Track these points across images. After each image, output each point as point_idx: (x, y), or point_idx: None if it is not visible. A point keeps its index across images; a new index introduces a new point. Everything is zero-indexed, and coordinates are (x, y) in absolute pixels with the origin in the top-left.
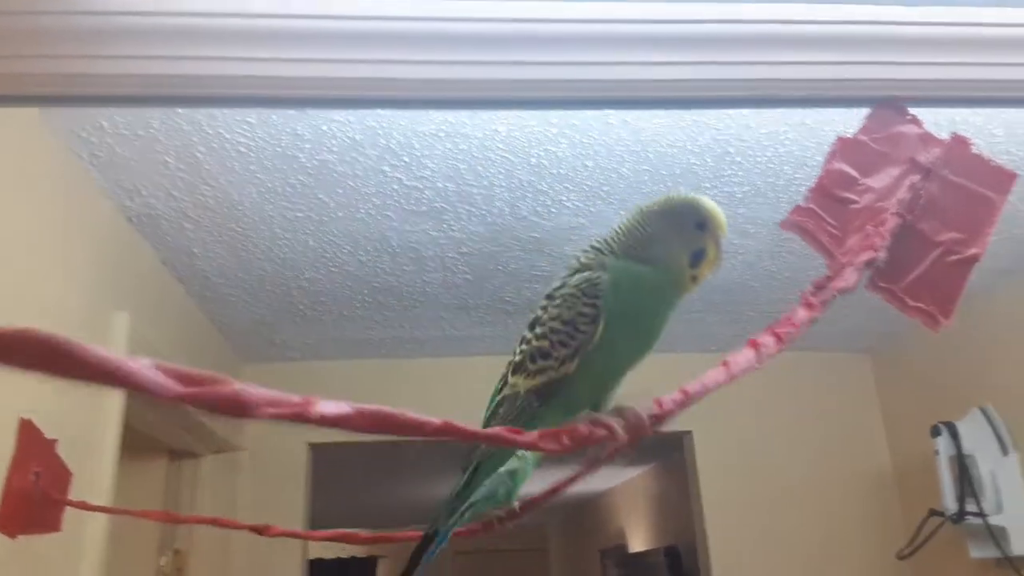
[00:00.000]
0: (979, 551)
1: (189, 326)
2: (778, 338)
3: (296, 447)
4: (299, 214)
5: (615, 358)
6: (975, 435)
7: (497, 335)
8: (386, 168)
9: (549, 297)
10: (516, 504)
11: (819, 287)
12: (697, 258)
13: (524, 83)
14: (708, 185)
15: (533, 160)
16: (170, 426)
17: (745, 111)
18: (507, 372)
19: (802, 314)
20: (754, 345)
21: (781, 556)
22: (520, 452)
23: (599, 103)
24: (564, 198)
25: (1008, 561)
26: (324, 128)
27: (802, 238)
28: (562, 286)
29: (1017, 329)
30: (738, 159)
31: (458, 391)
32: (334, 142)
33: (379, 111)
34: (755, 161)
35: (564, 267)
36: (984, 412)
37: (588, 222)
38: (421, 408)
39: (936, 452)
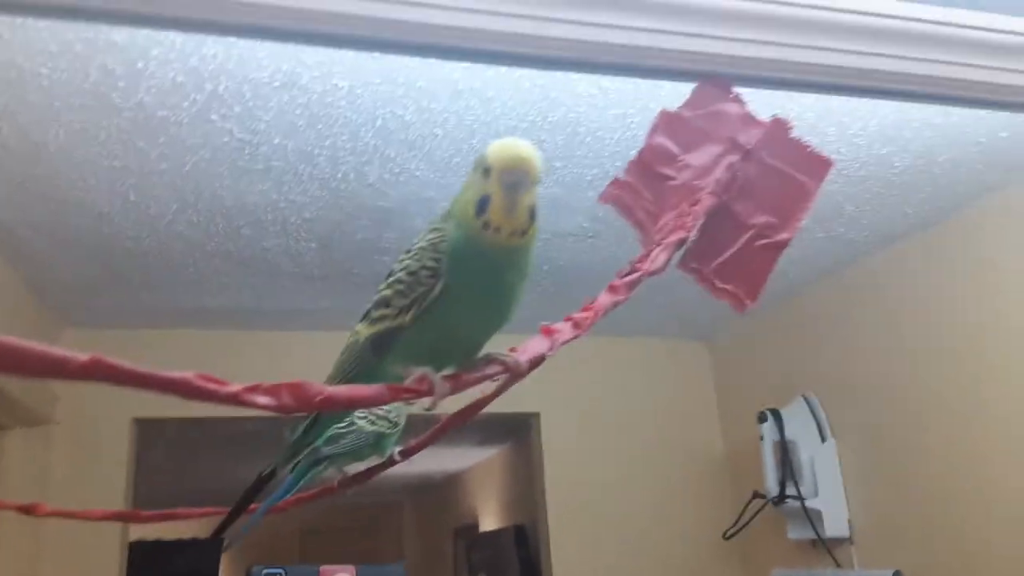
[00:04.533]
0: (796, 532)
1: None
2: (575, 324)
3: (118, 421)
4: (116, 163)
5: (457, 319)
6: (797, 422)
7: (346, 308)
8: (215, 118)
9: (407, 251)
10: (395, 452)
11: (629, 270)
12: (481, 205)
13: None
14: (559, 165)
15: (379, 123)
16: None
17: (594, 91)
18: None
19: (604, 299)
20: (548, 332)
21: (617, 535)
22: (395, 414)
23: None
24: (413, 167)
25: (822, 542)
26: (139, 65)
27: (619, 212)
28: (418, 241)
29: (836, 324)
30: (588, 140)
31: (304, 366)
32: (152, 82)
33: (203, 51)
34: (604, 143)
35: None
36: (807, 400)
37: (438, 194)
38: (262, 383)
39: (761, 437)
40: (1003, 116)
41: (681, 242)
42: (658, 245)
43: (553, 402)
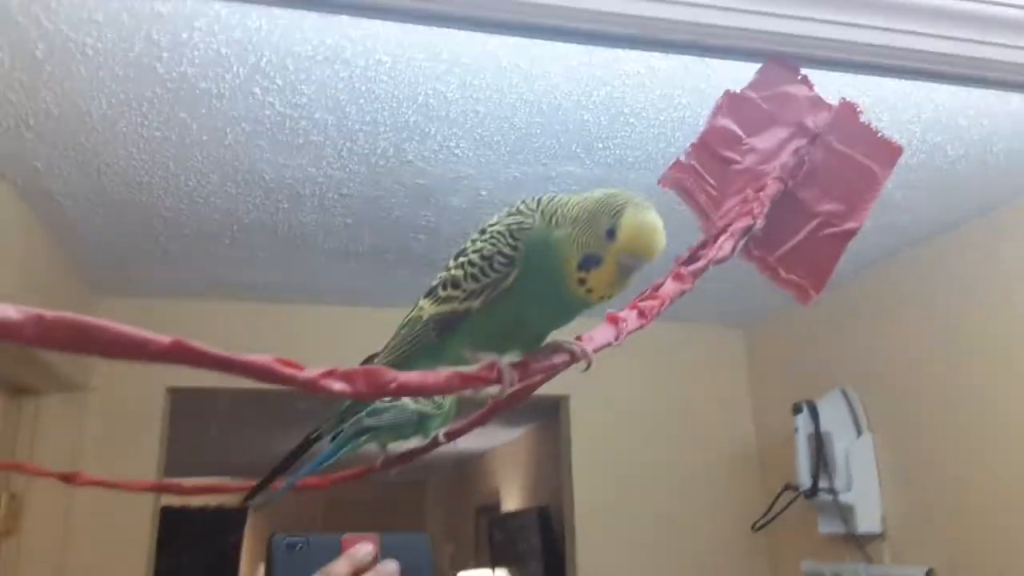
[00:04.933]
0: (827, 526)
1: (33, 250)
2: (641, 313)
3: (153, 391)
4: (157, 133)
5: (523, 313)
6: (833, 415)
7: (379, 286)
8: (256, 90)
9: (481, 231)
10: (439, 434)
11: (692, 257)
12: (588, 263)
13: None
14: (601, 146)
15: (420, 99)
16: (3, 358)
17: (641, 70)
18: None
19: (671, 287)
20: (613, 320)
21: (643, 521)
22: (439, 397)
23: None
24: (453, 144)
25: (853, 537)
26: (184, 36)
27: (680, 196)
28: (496, 223)
29: (879, 316)
30: (632, 120)
31: (335, 341)
32: (196, 54)
33: (248, 23)
34: (649, 124)
35: (459, 216)
36: (844, 393)
37: (476, 172)
38: (293, 357)
39: (796, 429)
40: None
41: (747, 229)
42: (723, 232)
43: (583, 385)
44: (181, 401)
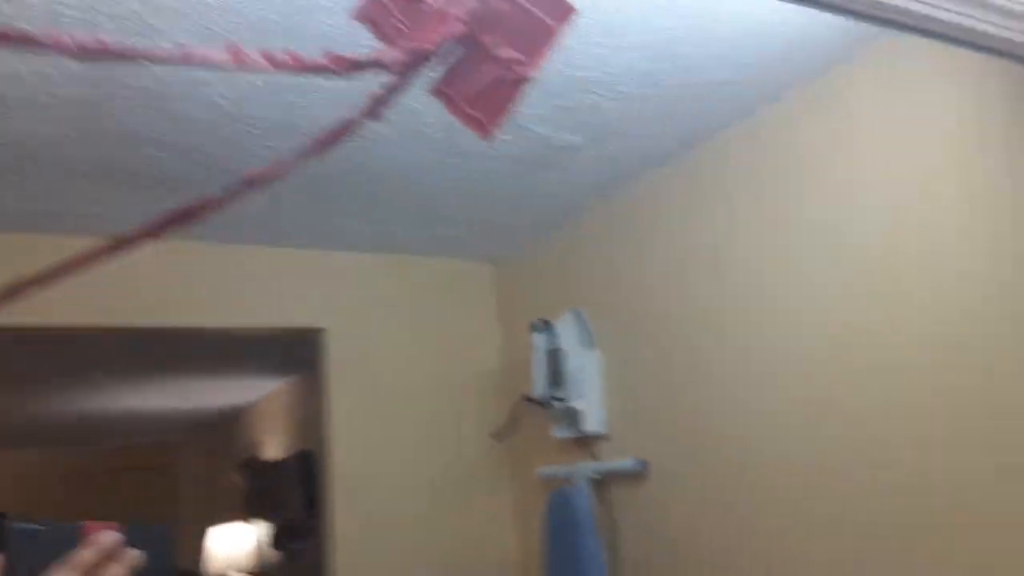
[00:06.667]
0: (561, 431)
1: None
2: (269, 60)
3: None
4: None
5: None
6: (568, 333)
7: (111, 209)
8: None
9: None
10: None
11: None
12: None
13: None
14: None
15: None
16: None
17: None
18: None
19: (314, 58)
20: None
21: (397, 448)
22: None
23: None
24: (183, 40)
25: (582, 439)
26: None
27: (370, 30)
28: None
29: (605, 245)
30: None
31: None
32: None
33: None
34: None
35: (197, 130)
36: (576, 313)
37: (213, 76)
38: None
39: (535, 347)
40: (761, 40)
41: (418, 53)
42: (397, 48)
43: (339, 319)
44: None
